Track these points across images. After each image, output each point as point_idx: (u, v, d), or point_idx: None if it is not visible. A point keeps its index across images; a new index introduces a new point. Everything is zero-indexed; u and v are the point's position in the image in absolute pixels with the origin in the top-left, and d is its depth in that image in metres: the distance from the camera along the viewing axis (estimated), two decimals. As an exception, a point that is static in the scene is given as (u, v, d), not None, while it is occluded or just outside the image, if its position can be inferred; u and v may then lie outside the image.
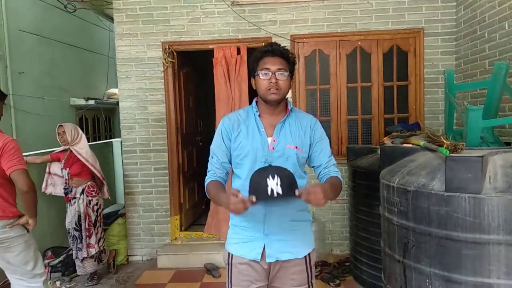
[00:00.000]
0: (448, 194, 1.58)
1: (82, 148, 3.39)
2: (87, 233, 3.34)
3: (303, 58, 3.83)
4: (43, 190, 3.64)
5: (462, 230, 1.57)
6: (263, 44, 1.62)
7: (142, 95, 3.92)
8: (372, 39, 3.77)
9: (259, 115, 1.62)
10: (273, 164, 1.50)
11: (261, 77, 1.54)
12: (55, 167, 3.63)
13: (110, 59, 6.17)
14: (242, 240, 1.61)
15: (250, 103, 1.69)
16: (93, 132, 6.94)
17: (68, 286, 3.41)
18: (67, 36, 5.98)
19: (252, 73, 1.61)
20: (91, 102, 6.23)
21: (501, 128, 2.96)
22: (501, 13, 2.92)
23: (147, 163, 3.97)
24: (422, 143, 2.00)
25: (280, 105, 1.61)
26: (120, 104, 3.97)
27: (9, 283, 2.41)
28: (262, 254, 1.56)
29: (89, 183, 3.40)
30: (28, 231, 2.32)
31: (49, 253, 3.75)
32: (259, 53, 1.57)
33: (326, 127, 3.73)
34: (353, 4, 3.73)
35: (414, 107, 3.81)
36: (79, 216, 3.32)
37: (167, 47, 3.85)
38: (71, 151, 3.37)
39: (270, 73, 1.52)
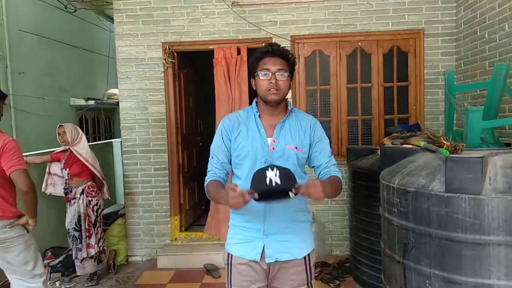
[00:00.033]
0: (448, 195, 1.58)
1: (82, 148, 3.39)
2: (87, 234, 3.34)
3: (303, 59, 3.83)
4: (43, 190, 3.64)
5: (462, 231, 1.56)
6: (263, 44, 1.62)
7: (142, 96, 3.93)
8: (372, 40, 3.77)
9: (259, 116, 1.62)
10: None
11: (261, 78, 1.54)
12: (55, 167, 3.63)
13: (110, 60, 6.18)
14: (241, 240, 1.61)
15: (250, 103, 1.69)
16: (93, 132, 6.94)
17: (67, 286, 3.41)
18: (67, 36, 5.98)
19: (252, 73, 1.61)
20: (91, 102, 6.24)
21: (501, 129, 2.96)
22: (501, 14, 2.92)
23: (147, 164, 3.97)
24: (422, 144, 2.00)
25: (280, 106, 1.61)
26: (120, 104, 3.97)
27: (9, 283, 2.41)
28: (262, 254, 1.56)
29: (89, 183, 3.40)
30: (28, 231, 2.32)
31: (49, 253, 3.75)
32: (259, 53, 1.57)
33: (326, 128, 3.73)
34: (353, 5, 3.73)
35: (414, 108, 3.81)
36: (79, 216, 3.32)
37: (167, 48, 3.85)
38: (71, 151, 3.37)
39: (270, 74, 1.52)
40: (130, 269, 3.82)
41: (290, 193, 1.34)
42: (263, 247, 1.56)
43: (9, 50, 4.84)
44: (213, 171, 1.62)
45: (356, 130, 3.89)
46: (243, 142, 1.58)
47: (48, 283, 3.34)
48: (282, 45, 1.60)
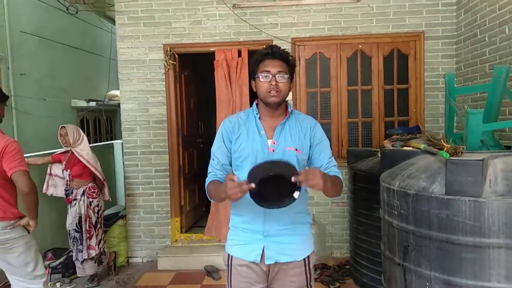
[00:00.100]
0: (449, 198, 1.59)
1: (83, 149, 3.39)
2: (88, 235, 3.34)
3: (304, 61, 3.84)
4: (44, 191, 3.65)
5: (462, 234, 1.57)
6: (264, 47, 1.63)
7: (143, 97, 3.94)
8: (373, 43, 3.78)
9: (259, 118, 1.62)
10: None
11: (261, 80, 1.55)
12: (56, 169, 3.64)
13: (111, 61, 6.20)
14: (241, 242, 1.61)
15: (251, 105, 1.70)
16: (94, 134, 6.95)
17: (68, 287, 3.41)
18: (69, 38, 6.01)
19: (252, 75, 1.62)
20: (93, 103, 6.25)
21: (501, 131, 2.96)
22: (501, 17, 2.93)
23: (148, 165, 3.97)
24: (422, 146, 2.00)
25: (280, 108, 1.62)
26: (121, 106, 3.98)
27: (10, 284, 2.41)
28: (262, 256, 1.57)
29: (90, 184, 3.41)
30: (29, 232, 2.33)
31: (50, 254, 3.76)
32: (259, 55, 1.58)
33: (326, 130, 3.73)
34: (354, 8, 3.74)
35: (415, 110, 3.81)
36: (80, 217, 3.32)
37: (168, 49, 3.86)
38: (72, 152, 3.37)
39: (270, 76, 1.53)
40: (130, 270, 3.82)
41: (295, 194, 1.33)
42: (263, 248, 1.56)
43: (11, 51, 4.86)
44: (214, 172, 1.63)
45: (357, 133, 3.89)
46: (243, 144, 1.59)
47: (49, 284, 3.34)
48: (282, 48, 1.61)
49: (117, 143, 5.75)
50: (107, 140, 6.96)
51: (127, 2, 3.87)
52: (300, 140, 1.60)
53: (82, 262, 3.34)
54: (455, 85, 2.45)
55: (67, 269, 3.59)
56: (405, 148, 2.23)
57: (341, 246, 3.92)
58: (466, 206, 1.55)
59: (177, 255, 3.80)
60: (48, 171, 3.68)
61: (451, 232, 1.59)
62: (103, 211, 3.59)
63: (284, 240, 1.58)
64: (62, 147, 3.50)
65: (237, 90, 3.82)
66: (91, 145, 3.86)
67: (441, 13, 3.69)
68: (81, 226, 3.32)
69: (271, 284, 1.62)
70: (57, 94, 5.73)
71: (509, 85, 2.16)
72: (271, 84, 1.53)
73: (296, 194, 1.34)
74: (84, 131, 3.65)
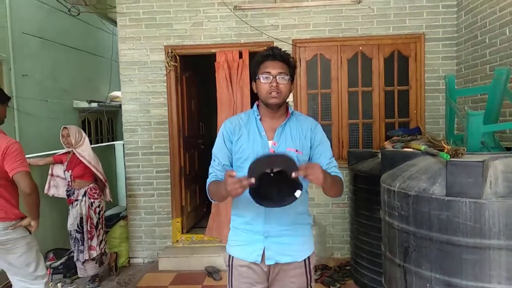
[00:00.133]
0: (449, 199, 1.59)
1: (85, 150, 3.40)
2: (89, 235, 3.35)
3: (305, 63, 3.85)
4: (45, 191, 3.66)
5: (462, 235, 1.57)
6: (265, 48, 1.64)
7: (144, 98, 3.95)
8: (373, 44, 3.78)
9: (260, 119, 1.63)
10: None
11: (262, 81, 1.56)
12: (58, 169, 3.65)
13: (113, 62, 6.21)
14: (242, 242, 1.62)
15: (252, 107, 1.70)
16: (96, 135, 6.97)
17: (69, 288, 3.42)
18: (71, 39, 6.02)
19: (253, 77, 1.63)
20: (94, 104, 6.26)
21: (502, 133, 2.96)
22: (502, 19, 2.93)
23: (149, 166, 3.98)
24: (423, 147, 2.01)
25: (280, 109, 1.62)
26: (123, 107, 3.99)
27: (11, 285, 2.42)
28: (262, 256, 1.57)
29: (91, 185, 3.42)
30: (30, 233, 2.33)
31: (51, 255, 3.76)
32: (260, 57, 1.59)
33: (327, 131, 3.73)
34: (355, 9, 3.75)
35: (415, 111, 3.82)
36: (81, 218, 3.33)
37: (169, 51, 3.87)
38: (73, 153, 3.38)
39: (271, 77, 1.54)
40: (131, 271, 3.82)
41: (296, 193, 1.32)
42: (263, 249, 1.57)
43: (13, 52, 4.88)
44: (215, 173, 1.64)
45: (357, 134, 3.89)
46: (244, 145, 1.59)
47: (50, 284, 3.34)
48: (283, 49, 1.62)
49: (118, 144, 5.76)
50: (108, 141, 6.97)
51: (128, 4, 3.88)
52: (301, 141, 1.61)
53: (83, 262, 3.35)
54: (456, 87, 2.45)
55: (68, 270, 3.60)
56: (405, 149, 2.24)
57: (341, 247, 3.92)
58: (466, 207, 1.55)
59: (178, 255, 3.80)
60: (50, 171, 3.69)
61: (451, 233, 1.59)
62: (104, 211, 3.60)
63: (285, 241, 1.58)
64: (63, 148, 3.51)
65: (238, 92, 3.83)
66: (93, 146, 3.87)
67: (442, 14, 3.70)
68: (82, 227, 3.33)
69: (271, 285, 1.63)
70: (58, 95, 5.75)
71: (509, 86, 2.17)
72: (271, 85, 1.53)
73: (297, 193, 1.33)
74: (85, 132, 3.66)
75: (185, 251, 3.86)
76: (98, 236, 3.40)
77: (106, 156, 5.36)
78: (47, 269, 2.57)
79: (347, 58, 3.82)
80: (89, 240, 3.35)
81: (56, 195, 3.70)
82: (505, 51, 2.91)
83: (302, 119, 1.67)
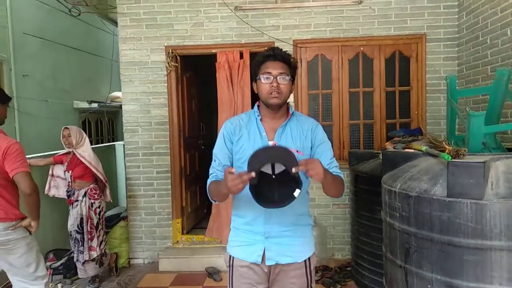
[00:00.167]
0: (450, 200, 1.59)
1: (85, 151, 3.40)
2: (89, 236, 3.35)
3: (306, 63, 3.85)
4: (46, 192, 3.65)
5: (464, 236, 1.56)
6: (266, 48, 1.63)
7: (145, 99, 3.95)
8: (375, 45, 3.78)
9: (260, 119, 1.63)
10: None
11: (262, 81, 1.56)
12: (58, 170, 3.65)
13: (113, 63, 6.22)
14: (243, 243, 1.61)
15: (253, 107, 1.70)
16: (96, 135, 6.97)
17: (69, 288, 3.42)
18: (71, 39, 6.03)
19: (253, 77, 1.63)
20: (95, 105, 6.26)
21: (503, 134, 2.96)
22: (503, 19, 2.93)
23: (150, 166, 3.98)
24: (424, 148, 2.00)
25: (281, 109, 1.62)
26: (123, 107, 3.99)
27: (11, 285, 2.42)
28: (263, 257, 1.57)
29: (91, 185, 3.42)
30: (30, 233, 2.33)
31: (51, 255, 3.76)
32: (260, 57, 1.59)
33: (328, 132, 3.70)
34: (356, 10, 3.75)
35: (416, 112, 3.81)
36: (81, 218, 3.32)
37: (170, 51, 3.87)
38: (74, 153, 3.38)
39: (272, 77, 1.54)
40: (131, 271, 3.82)
41: (295, 192, 1.31)
42: (264, 249, 1.56)
43: (13, 53, 4.89)
44: (215, 173, 1.63)
45: (358, 134, 3.89)
46: (244, 145, 1.59)
47: (50, 285, 3.33)
48: (284, 50, 1.62)
49: (118, 144, 5.76)
50: (108, 142, 6.97)
51: (129, 4, 3.88)
52: (301, 142, 1.60)
53: (84, 263, 3.35)
54: (457, 87, 2.45)
55: (69, 270, 3.60)
56: (406, 150, 2.23)
57: (342, 248, 3.92)
58: (467, 208, 1.55)
59: (178, 256, 3.80)
60: (50, 172, 3.69)
61: (452, 234, 1.59)
62: (105, 212, 3.60)
63: (285, 241, 1.58)
64: (63, 148, 3.51)
65: (239, 92, 3.83)
66: (93, 146, 3.87)
67: (443, 15, 3.70)
68: (82, 227, 3.33)
69: (272, 285, 1.62)
70: (59, 96, 5.75)
71: (511, 87, 2.16)
72: (272, 86, 1.53)
73: (296, 193, 1.31)
74: (86, 133, 3.66)
75: (185, 252, 3.86)
76: (98, 236, 3.40)
77: (107, 157, 5.36)
78: (47, 269, 2.56)
79: (348, 59, 3.82)
80: (89, 241, 3.35)
81: (56, 196, 3.70)
82: (506, 52, 2.90)
83: (302, 119, 1.67)
